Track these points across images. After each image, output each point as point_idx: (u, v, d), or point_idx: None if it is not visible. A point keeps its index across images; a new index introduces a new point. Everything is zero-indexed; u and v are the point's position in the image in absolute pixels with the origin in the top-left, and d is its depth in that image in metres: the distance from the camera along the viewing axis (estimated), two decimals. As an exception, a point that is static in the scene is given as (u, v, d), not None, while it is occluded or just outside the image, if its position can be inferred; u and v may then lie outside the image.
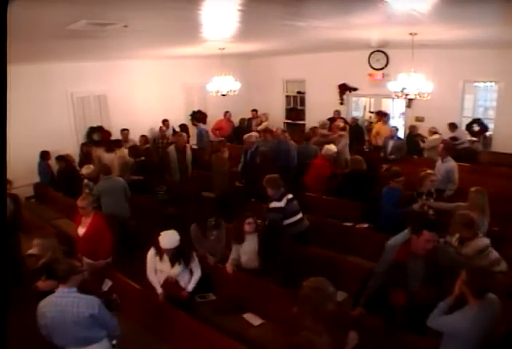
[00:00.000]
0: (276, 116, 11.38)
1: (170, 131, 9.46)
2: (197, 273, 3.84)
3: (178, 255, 3.70)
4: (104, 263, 4.31)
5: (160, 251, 3.73)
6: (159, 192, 6.93)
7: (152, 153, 8.71)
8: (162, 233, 3.70)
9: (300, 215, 4.73)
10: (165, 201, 6.79)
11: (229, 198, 5.72)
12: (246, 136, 6.93)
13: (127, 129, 8.74)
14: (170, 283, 3.79)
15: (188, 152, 6.84)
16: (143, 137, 8.57)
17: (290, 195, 4.65)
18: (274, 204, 4.55)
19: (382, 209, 5.02)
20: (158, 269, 3.80)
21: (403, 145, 8.05)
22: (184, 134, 7.25)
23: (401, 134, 10.06)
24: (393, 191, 5.01)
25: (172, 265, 3.72)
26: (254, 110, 11.00)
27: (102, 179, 5.67)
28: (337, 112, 10.02)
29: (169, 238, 3.66)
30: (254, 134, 7.03)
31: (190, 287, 3.80)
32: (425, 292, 3.08)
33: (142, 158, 7.04)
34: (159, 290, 3.78)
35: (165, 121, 9.70)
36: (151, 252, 3.79)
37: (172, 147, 6.66)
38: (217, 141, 6.59)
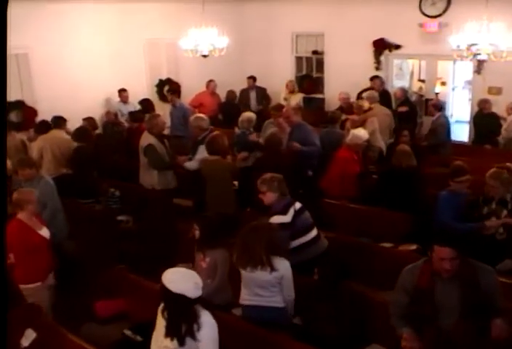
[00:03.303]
0: (282, 87, 11.28)
1: (130, 108, 9.53)
2: None
3: (175, 316, 3.08)
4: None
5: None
6: (110, 198, 6.92)
7: (102, 142, 8.66)
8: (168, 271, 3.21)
9: (314, 232, 4.74)
10: (119, 210, 6.78)
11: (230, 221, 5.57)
12: (192, 118, 6.91)
13: (62, 118, 7.99)
14: None
15: (166, 142, 6.81)
16: (90, 119, 8.32)
17: (298, 205, 4.66)
18: (277, 219, 4.53)
19: (437, 223, 4.99)
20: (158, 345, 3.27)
21: (440, 126, 8.15)
22: (160, 115, 7.21)
23: (465, 112, 10.05)
24: (455, 197, 4.98)
25: (167, 333, 3.12)
26: (251, 78, 10.98)
27: (24, 182, 5.59)
28: (379, 79, 9.90)
29: (168, 272, 3.14)
30: (203, 115, 6.98)
31: None
32: (463, 330, 3.08)
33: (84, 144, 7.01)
34: None
35: (122, 91, 9.78)
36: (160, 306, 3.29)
37: (148, 135, 6.54)
38: (216, 135, 6.39)
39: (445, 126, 8.34)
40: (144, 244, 6.08)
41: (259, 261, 3.88)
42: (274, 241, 3.97)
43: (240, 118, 7.52)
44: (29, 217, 4.64)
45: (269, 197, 4.63)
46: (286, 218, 4.54)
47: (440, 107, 8.54)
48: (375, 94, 8.83)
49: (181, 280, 3.07)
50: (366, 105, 8.29)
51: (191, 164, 6.44)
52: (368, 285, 4.84)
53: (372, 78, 9.96)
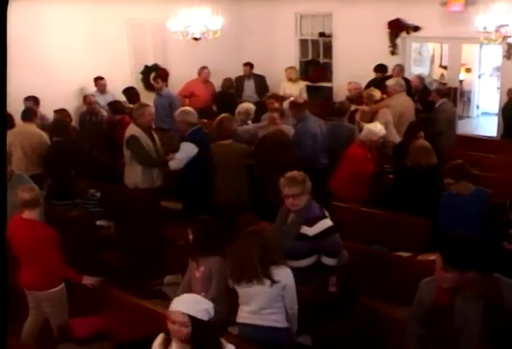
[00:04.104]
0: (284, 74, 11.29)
1: (108, 98, 9.52)
2: None
3: (199, 342, 3.13)
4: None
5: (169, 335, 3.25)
6: (89, 200, 6.94)
7: (79, 136, 8.66)
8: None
9: None
10: (99, 213, 6.80)
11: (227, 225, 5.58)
12: (177, 112, 6.94)
13: (35, 97, 8.52)
14: None
15: (156, 137, 6.81)
16: (62, 111, 8.36)
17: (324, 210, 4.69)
18: (325, 223, 4.53)
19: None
20: None
21: (442, 112, 8.11)
22: (149, 105, 7.18)
23: (493, 103, 10.03)
24: (455, 198, 5.01)
25: None
26: (248, 64, 11.03)
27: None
28: (399, 67, 9.92)
29: (185, 299, 3.26)
30: (190, 108, 6.99)
31: None
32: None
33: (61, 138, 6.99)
34: None
35: (98, 80, 9.79)
36: (157, 340, 3.32)
37: (133, 127, 6.56)
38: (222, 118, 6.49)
39: (447, 114, 8.30)
40: (127, 253, 6.09)
41: (254, 274, 3.83)
42: (269, 249, 3.92)
43: (237, 110, 7.52)
44: (35, 215, 4.70)
45: (302, 200, 4.50)
46: (330, 221, 4.57)
47: (444, 93, 8.51)
48: (402, 81, 8.72)
49: (198, 304, 3.18)
50: (377, 94, 8.26)
51: (173, 163, 6.42)
52: (383, 299, 4.85)
53: (376, 69, 9.95)
